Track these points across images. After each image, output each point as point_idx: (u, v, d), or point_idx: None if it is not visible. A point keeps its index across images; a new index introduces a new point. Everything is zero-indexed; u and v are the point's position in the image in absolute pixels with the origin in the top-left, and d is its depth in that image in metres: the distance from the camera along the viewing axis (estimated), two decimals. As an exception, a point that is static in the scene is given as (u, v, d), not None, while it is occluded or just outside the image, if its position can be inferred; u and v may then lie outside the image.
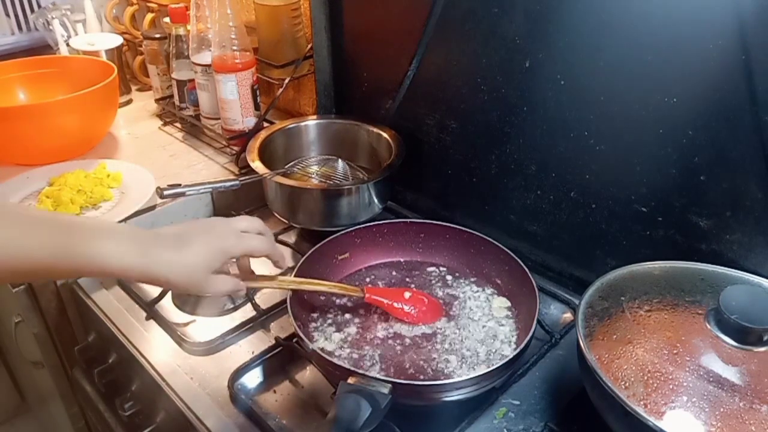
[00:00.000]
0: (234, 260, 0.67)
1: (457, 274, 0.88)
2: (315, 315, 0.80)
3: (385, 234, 0.90)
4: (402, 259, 0.91)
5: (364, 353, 0.74)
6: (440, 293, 0.85)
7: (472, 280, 0.87)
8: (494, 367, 0.65)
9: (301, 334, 0.69)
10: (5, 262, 0.54)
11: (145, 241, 0.59)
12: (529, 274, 0.77)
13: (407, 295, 0.80)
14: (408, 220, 0.93)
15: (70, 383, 1.08)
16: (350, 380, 0.61)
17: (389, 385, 0.60)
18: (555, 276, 0.93)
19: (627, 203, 0.80)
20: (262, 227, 0.68)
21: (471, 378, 0.64)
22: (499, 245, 0.83)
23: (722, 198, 0.72)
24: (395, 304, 0.78)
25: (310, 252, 0.82)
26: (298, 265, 0.79)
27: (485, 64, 0.90)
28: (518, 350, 0.67)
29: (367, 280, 0.87)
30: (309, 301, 0.81)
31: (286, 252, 1.00)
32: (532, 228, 0.94)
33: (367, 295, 0.77)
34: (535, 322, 0.71)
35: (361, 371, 0.63)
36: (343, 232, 0.88)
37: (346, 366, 0.64)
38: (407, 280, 0.87)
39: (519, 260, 0.80)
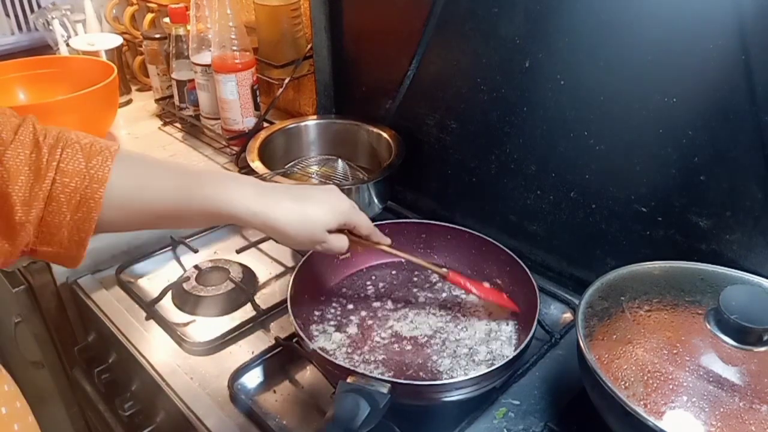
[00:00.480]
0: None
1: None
2: (315, 315, 0.80)
3: (386, 234, 0.90)
4: (403, 259, 0.91)
5: (364, 353, 0.74)
6: (441, 293, 0.85)
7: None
8: (494, 367, 0.65)
9: (302, 334, 0.69)
10: (138, 208, 0.58)
11: (268, 190, 0.63)
12: (530, 275, 0.77)
13: (486, 284, 0.83)
14: (409, 220, 0.92)
15: (70, 383, 1.08)
16: (349, 380, 0.61)
17: (388, 385, 0.60)
18: (555, 276, 0.93)
19: (627, 203, 0.80)
20: (364, 210, 0.72)
21: (471, 378, 0.64)
22: (501, 246, 0.83)
23: (722, 198, 0.72)
24: (474, 289, 0.80)
25: (311, 251, 0.82)
26: (299, 264, 0.79)
27: (485, 64, 0.90)
28: (518, 351, 0.67)
29: (368, 281, 0.87)
30: (310, 300, 0.81)
31: (287, 252, 1.00)
32: (532, 228, 0.94)
33: (450, 275, 0.78)
34: (535, 322, 0.71)
35: (360, 371, 0.63)
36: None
37: (346, 366, 0.64)
38: (408, 280, 0.87)
39: (520, 261, 0.80)
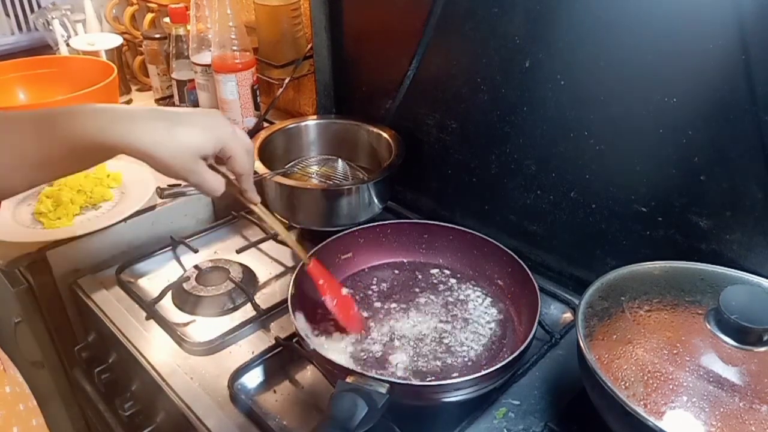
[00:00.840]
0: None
1: (459, 275, 0.88)
2: (316, 315, 0.80)
3: (388, 234, 0.90)
4: (405, 260, 0.91)
5: (364, 353, 0.74)
6: (442, 294, 0.85)
7: (475, 281, 0.87)
8: (493, 368, 0.65)
9: (302, 334, 0.69)
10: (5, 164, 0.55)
11: (135, 113, 0.57)
12: (531, 276, 0.77)
13: (344, 292, 0.79)
14: (411, 220, 0.93)
15: (70, 383, 1.08)
16: (348, 379, 0.61)
17: (387, 385, 0.60)
18: (555, 276, 0.93)
19: (627, 203, 0.80)
20: (251, 148, 0.65)
21: (470, 379, 0.64)
22: (502, 247, 0.83)
23: (722, 198, 0.72)
24: (327, 293, 0.76)
25: (313, 250, 0.82)
26: (301, 262, 0.79)
27: (485, 64, 0.90)
28: (518, 352, 0.67)
29: (370, 280, 0.87)
30: (311, 300, 0.81)
31: (286, 252, 1.00)
32: (532, 228, 0.94)
33: (310, 265, 0.75)
34: (536, 324, 0.71)
35: (359, 370, 0.63)
36: (346, 231, 0.88)
37: (345, 365, 0.64)
38: (410, 281, 0.87)
39: (521, 261, 0.80)
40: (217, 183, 0.61)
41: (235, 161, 0.62)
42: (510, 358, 0.66)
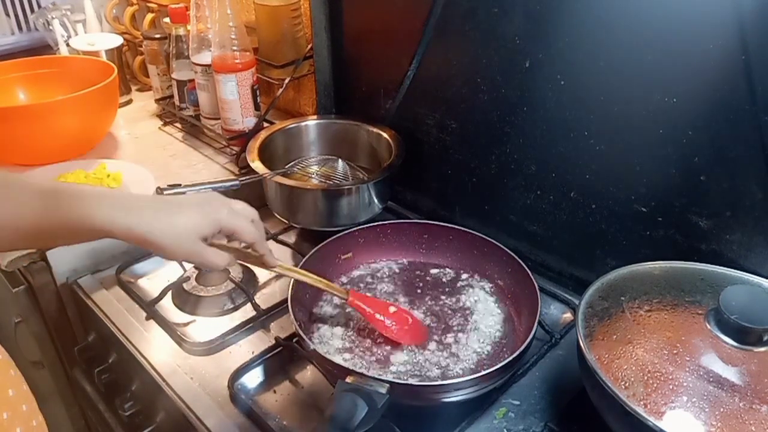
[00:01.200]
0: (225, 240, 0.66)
1: (459, 275, 0.88)
2: (316, 314, 0.80)
3: (388, 234, 0.90)
4: (405, 260, 0.91)
5: (364, 353, 0.74)
6: (442, 293, 0.85)
7: (475, 281, 0.87)
8: (493, 368, 0.65)
9: (302, 334, 0.69)
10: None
11: (136, 203, 0.60)
12: (531, 276, 0.77)
13: (392, 309, 0.78)
14: (411, 220, 0.93)
15: (70, 383, 1.08)
16: (348, 379, 0.61)
17: (387, 385, 0.60)
18: (555, 276, 0.93)
19: (627, 203, 0.80)
20: (255, 216, 0.67)
21: (470, 379, 0.64)
22: (502, 247, 0.83)
23: (722, 198, 0.72)
24: (377, 315, 0.76)
25: (314, 250, 0.82)
26: (302, 262, 0.79)
27: (485, 64, 0.90)
28: (518, 352, 0.67)
29: (370, 280, 0.87)
30: (311, 300, 0.81)
31: (286, 252, 1.00)
32: (532, 228, 0.94)
33: (350, 299, 0.75)
34: (536, 324, 0.71)
35: (359, 371, 0.63)
36: (346, 231, 0.88)
37: (345, 365, 0.64)
38: (410, 280, 0.87)
39: (521, 262, 0.80)
40: (218, 259, 0.63)
41: (241, 235, 0.64)
42: (510, 358, 0.66)
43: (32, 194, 0.57)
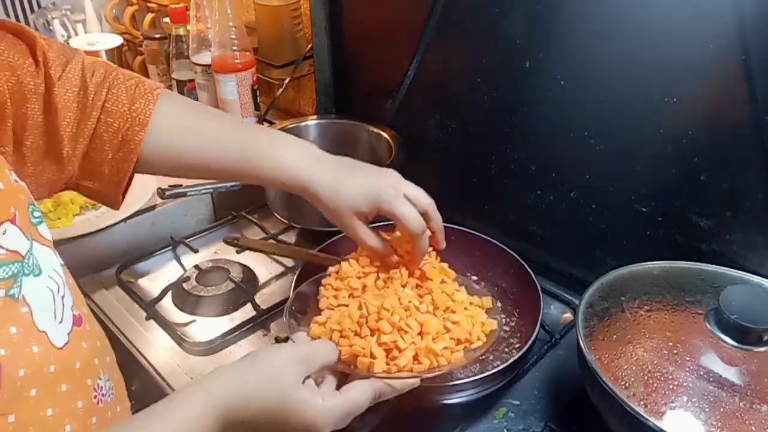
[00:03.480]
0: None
1: (461, 276, 0.88)
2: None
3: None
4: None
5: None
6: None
7: (477, 281, 0.86)
8: (495, 370, 0.65)
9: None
10: (179, 155, 0.61)
11: (317, 157, 0.62)
12: (534, 278, 0.77)
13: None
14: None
15: (70, 383, 1.08)
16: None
17: None
18: (555, 276, 0.93)
19: (627, 203, 0.80)
20: (428, 206, 0.64)
21: (471, 381, 0.64)
22: (504, 247, 0.83)
23: (722, 198, 0.72)
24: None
25: (315, 251, 0.82)
26: (302, 263, 0.79)
27: (485, 64, 0.89)
28: (520, 354, 0.67)
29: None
30: (309, 299, 0.81)
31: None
32: (532, 228, 0.93)
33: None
34: (538, 326, 0.71)
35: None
36: None
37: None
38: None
39: (524, 263, 0.80)
40: (370, 239, 0.63)
41: (400, 221, 0.61)
42: (511, 360, 0.66)
43: (239, 132, 0.62)
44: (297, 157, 0.61)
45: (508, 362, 0.65)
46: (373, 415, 0.58)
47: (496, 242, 0.84)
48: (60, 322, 0.48)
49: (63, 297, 0.50)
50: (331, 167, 0.62)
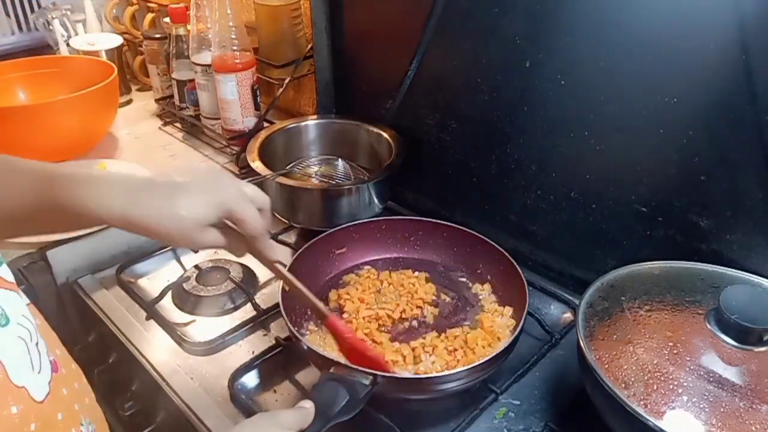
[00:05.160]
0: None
1: (452, 271, 0.88)
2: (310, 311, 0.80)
3: (382, 230, 0.91)
4: (399, 256, 0.91)
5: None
6: (437, 288, 0.85)
7: (467, 276, 0.87)
8: (479, 362, 0.65)
9: (293, 331, 0.69)
10: None
11: (134, 186, 0.55)
12: (520, 270, 0.77)
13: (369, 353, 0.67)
14: (404, 217, 0.93)
15: (70, 383, 1.08)
16: (332, 370, 0.62)
17: (370, 377, 0.61)
18: (555, 276, 0.93)
19: (627, 203, 0.80)
20: (266, 205, 0.60)
21: (455, 373, 0.64)
22: (493, 243, 0.83)
23: (722, 198, 0.72)
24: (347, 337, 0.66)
25: (308, 244, 0.82)
26: (296, 255, 0.79)
27: (485, 64, 0.90)
28: (506, 346, 0.67)
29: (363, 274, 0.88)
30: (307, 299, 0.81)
31: (286, 251, 1.00)
32: (532, 228, 0.94)
33: (330, 319, 0.66)
34: (524, 315, 0.71)
35: (344, 362, 0.63)
36: (341, 226, 0.88)
37: (330, 357, 0.65)
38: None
39: (511, 258, 0.80)
40: (220, 241, 0.58)
41: (245, 225, 0.57)
42: (496, 352, 0.66)
43: (27, 176, 0.54)
44: (110, 191, 0.54)
45: (492, 355, 0.66)
46: (351, 403, 0.58)
47: (485, 238, 0.84)
48: (39, 372, 0.45)
49: (37, 344, 0.46)
50: (157, 191, 0.55)
